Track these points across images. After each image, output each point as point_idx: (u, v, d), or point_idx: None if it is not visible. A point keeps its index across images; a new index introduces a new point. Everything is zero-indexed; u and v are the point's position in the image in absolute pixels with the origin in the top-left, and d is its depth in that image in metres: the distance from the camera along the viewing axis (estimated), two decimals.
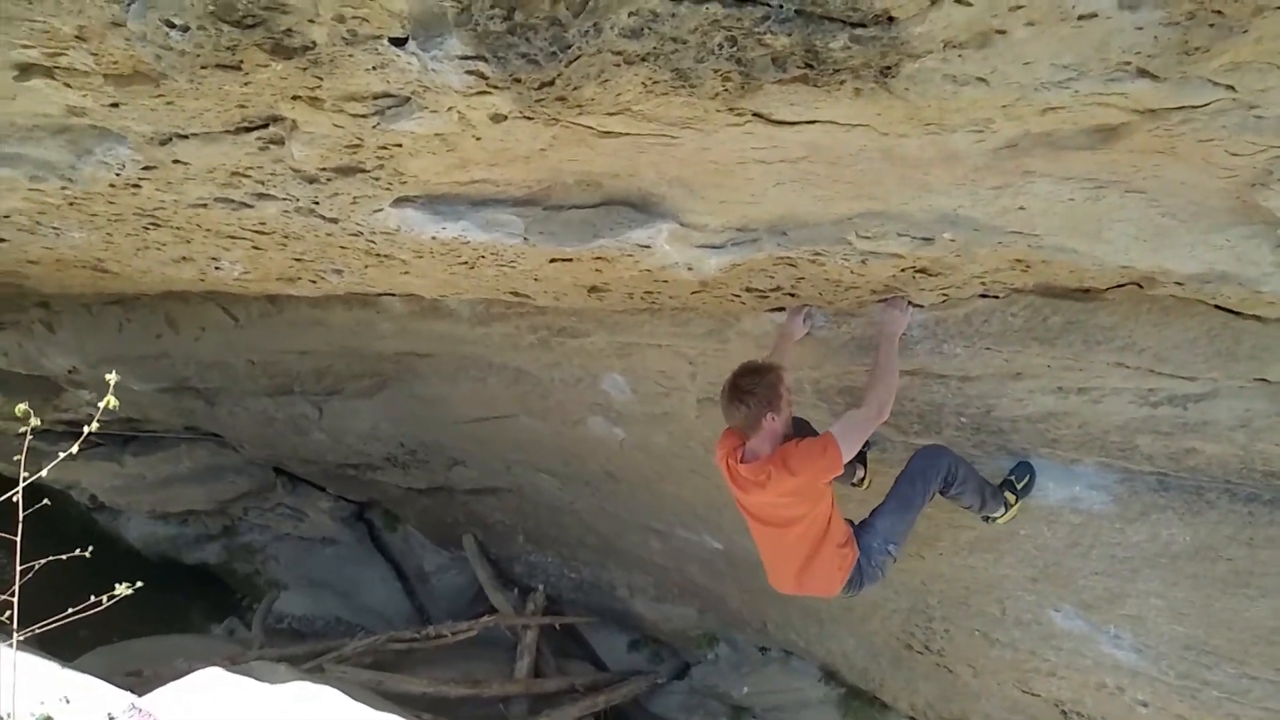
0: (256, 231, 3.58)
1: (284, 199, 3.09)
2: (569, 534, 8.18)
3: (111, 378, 2.46)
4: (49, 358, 8.03)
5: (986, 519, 4.25)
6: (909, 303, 3.67)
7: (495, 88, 2.10)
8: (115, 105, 2.48)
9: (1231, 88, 1.91)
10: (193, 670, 4.30)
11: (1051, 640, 4.94)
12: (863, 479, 4.53)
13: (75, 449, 2.74)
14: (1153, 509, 3.98)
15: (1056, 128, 2.21)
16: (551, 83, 2.08)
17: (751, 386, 3.40)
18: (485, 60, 1.99)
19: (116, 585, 2.56)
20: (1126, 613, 4.41)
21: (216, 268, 4.30)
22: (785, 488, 3.40)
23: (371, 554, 10.67)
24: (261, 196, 3.10)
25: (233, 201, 3.21)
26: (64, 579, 3.01)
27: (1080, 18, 1.77)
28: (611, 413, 6.15)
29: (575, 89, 2.10)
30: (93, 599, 2.62)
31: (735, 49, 2.00)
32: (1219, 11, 1.69)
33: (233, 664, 4.98)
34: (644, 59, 2.03)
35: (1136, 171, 2.34)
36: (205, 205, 3.26)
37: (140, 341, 7.60)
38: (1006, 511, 4.17)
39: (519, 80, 2.06)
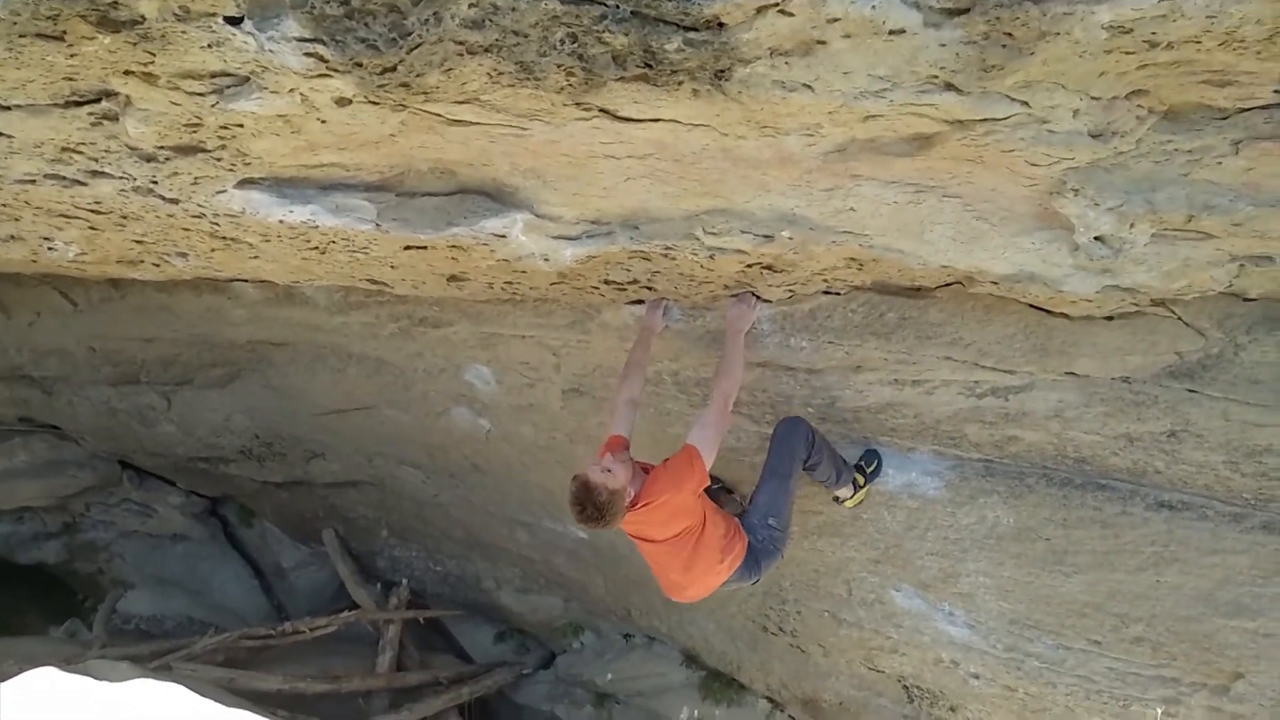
0: (92, 211, 3.42)
1: (120, 177, 2.96)
2: (434, 527, 8.09)
3: None
4: None
5: (836, 499, 4.47)
6: (756, 298, 3.79)
7: (336, 71, 2.10)
8: None
9: (1026, 103, 2.10)
10: (22, 672, 4.08)
11: (893, 619, 5.23)
12: (845, 500, 4.53)
13: None
14: (980, 493, 4.27)
15: (879, 134, 2.37)
16: (393, 68, 2.09)
17: (609, 520, 3.34)
18: (323, 43, 1.98)
19: None
20: (959, 591, 4.71)
21: (50, 249, 4.07)
22: (666, 511, 3.45)
23: (225, 551, 10.25)
24: (95, 174, 2.96)
25: (64, 179, 3.05)
26: None
27: (891, 33, 1.91)
28: (476, 404, 6.13)
29: (418, 76, 2.12)
30: None
31: (576, 45, 2.06)
32: (1009, 34, 1.86)
33: (69, 664, 4.73)
34: (487, 50, 2.07)
35: (952, 178, 2.53)
36: (34, 181, 3.09)
37: None
38: (855, 493, 4.38)
39: (360, 65, 2.06)
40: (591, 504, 3.28)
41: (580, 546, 6.93)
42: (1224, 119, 2.12)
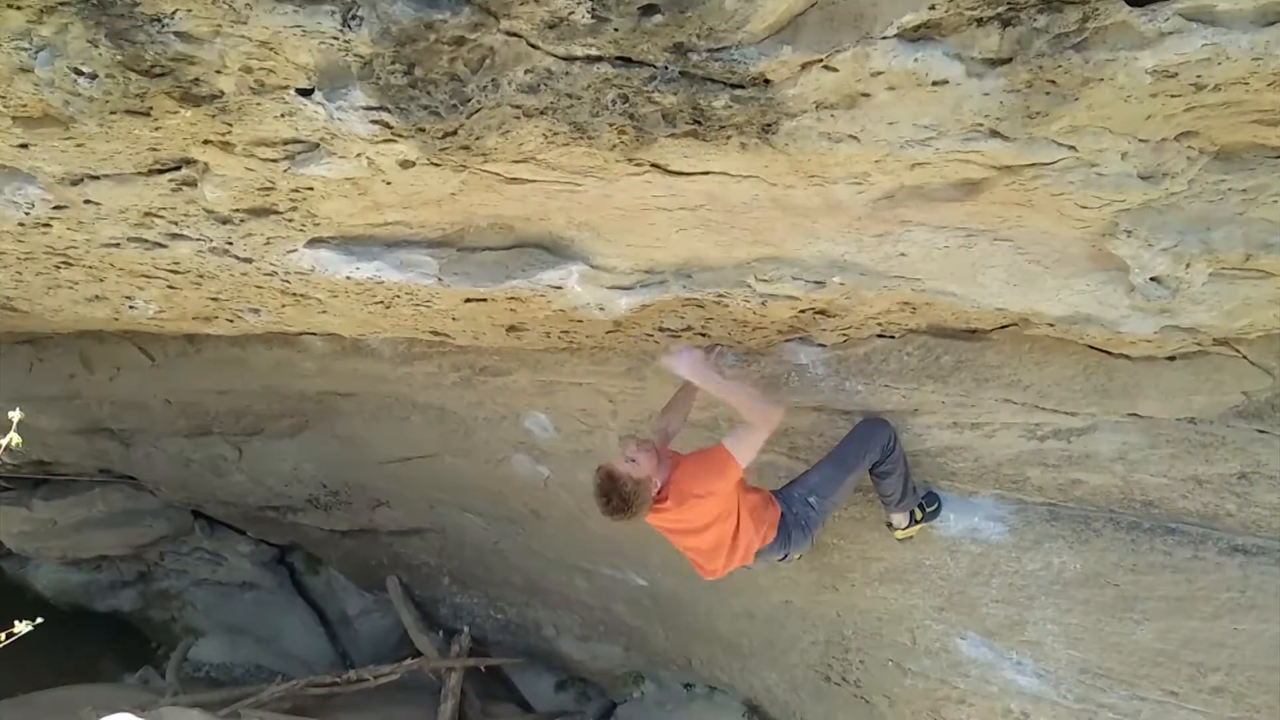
0: (170, 271, 3.60)
1: (197, 239, 3.13)
2: (494, 574, 8.16)
3: (15, 415, 2.47)
4: None
5: (889, 524, 4.41)
6: (725, 350, 3.68)
7: (400, 136, 2.21)
8: (24, 146, 2.51)
9: (1073, 148, 2.11)
10: (99, 718, 4.20)
11: (959, 668, 5.11)
12: (902, 527, 4.43)
13: None
14: (1045, 538, 4.19)
15: (926, 181, 2.40)
16: (454, 132, 2.19)
17: (634, 512, 3.34)
18: (389, 111, 2.09)
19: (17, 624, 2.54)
20: (1026, 639, 4.60)
21: (131, 307, 4.28)
22: (695, 513, 3.45)
23: (293, 598, 10.44)
24: (175, 236, 3.13)
25: (146, 241, 3.23)
26: None
27: (934, 84, 1.95)
28: (535, 451, 6.21)
29: (478, 139, 2.22)
30: None
31: (627, 105, 2.14)
32: (1052, 81, 1.89)
33: (142, 711, 4.86)
34: (542, 112, 2.16)
35: (1002, 222, 2.54)
36: (118, 245, 3.28)
37: (52, 381, 7.43)
38: (910, 525, 4.32)
39: (423, 130, 2.17)
40: (617, 494, 3.27)
41: (640, 594, 6.92)
42: (1278, 157, 2.10)
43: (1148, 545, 3.87)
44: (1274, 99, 1.90)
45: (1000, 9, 1.78)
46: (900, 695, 5.69)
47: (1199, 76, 1.83)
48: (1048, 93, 1.92)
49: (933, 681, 5.37)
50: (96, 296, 4.15)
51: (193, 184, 2.74)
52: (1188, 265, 2.37)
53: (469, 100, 2.06)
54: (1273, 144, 2.09)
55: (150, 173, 2.70)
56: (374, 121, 2.14)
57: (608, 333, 3.95)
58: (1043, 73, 1.86)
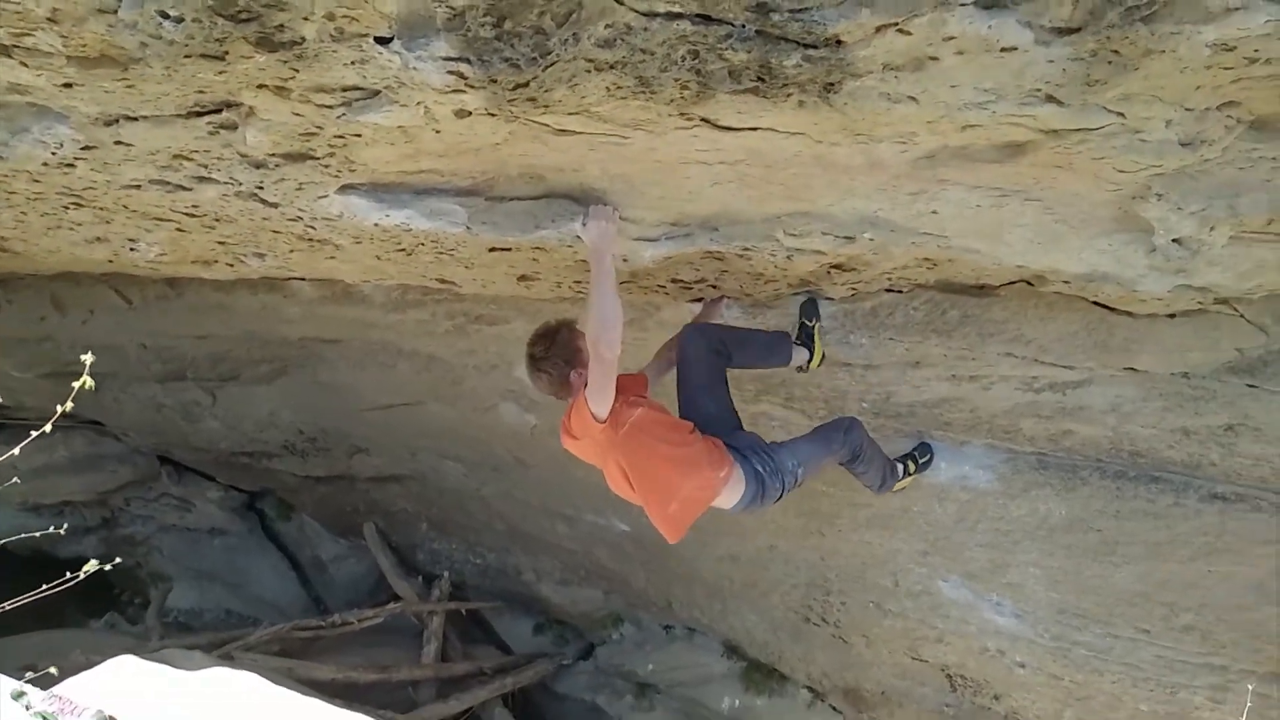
0: (186, 214, 3.55)
1: (226, 183, 3.09)
2: (474, 520, 8.24)
3: None
4: None
5: None
6: (615, 210, 3.20)
7: (471, 87, 2.23)
8: (68, 85, 2.47)
9: (1122, 115, 2.21)
10: (94, 663, 4.21)
11: (939, 609, 5.35)
12: (809, 362, 4.17)
13: None
14: (1033, 486, 4.39)
15: (971, 142, 2.49)
16: (526, 84, 2.21)
17: (545, 353, 3.29)
18: (469, 62, 2.11)
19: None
20: (1008, 581, 4.83)
21: (132, 249, 4.21)
22: (583, 452, 3.37)
23: (264, 544, 10.41)
24: (202, 180, 3.09)
25: (169, 184, 3.18)
26: None
27: (1003, 50, 2.02)
28: (524, 399, 6.26)
29: (547, 91, 2.25)
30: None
31: (697, 61, 2.18)
32: (1116, 51, 1.98)
33: (145, 654, 4.89)
34: (612, 66, 2.19)
35: (1036, 183, 2.64)
36: (139, 186, 3.22)
37: (21, 324, 7.26)
38: (903, 479, 4.39)
39: (495, 81, 2.19)
40: (554, 334, 3.29)
41: (622, 539, 7.06)
42: None
43: (1132, 493, 4.08)
44: None
45: None
46: (879, 635, 5.93)
47: (1256, 51, 1.93)
48: (1110, 62, 2.01)
49: (912, 622, 5.61)
50: (99, 239, 4.07)
51: (232, 127, 2.71)
52: (1212, 228, 2.50)
53: (549, 53, 2.08)
54: None
55: (190, 115, 2.66)
56: (451, 72, 2.15)
57: (621, 283, 3.99)
58: (1109, 43, 1.95)
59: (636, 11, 2.01)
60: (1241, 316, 3.21)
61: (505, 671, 7.60)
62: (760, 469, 3.48)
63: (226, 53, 2.13)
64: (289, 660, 6.51)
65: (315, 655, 7.05)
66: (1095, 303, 3.45)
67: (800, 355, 4.11)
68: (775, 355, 4.04)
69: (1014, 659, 5.20)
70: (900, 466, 4.38)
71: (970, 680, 5.64)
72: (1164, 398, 3.66)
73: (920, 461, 4.48)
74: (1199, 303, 3.15)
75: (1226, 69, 2.02)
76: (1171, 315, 3.35)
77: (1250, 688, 4.23)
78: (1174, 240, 2.62)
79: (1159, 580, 4.23)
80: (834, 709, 6.82)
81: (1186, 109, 2.17)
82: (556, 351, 3.29)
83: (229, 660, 5.78)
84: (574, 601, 8.10)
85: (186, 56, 2.14)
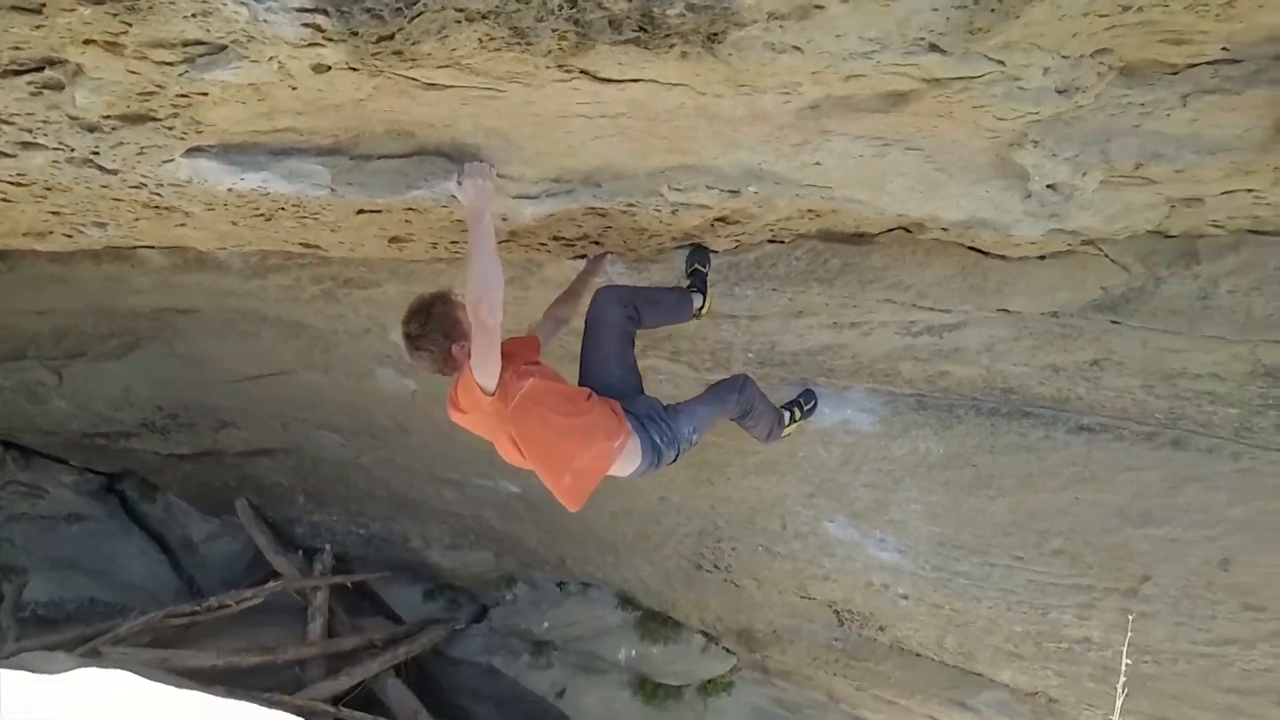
0: (10, 184, 3.19)
1: (55, 149, 2.78)
2: (355, 490, 7.98)
3: None
4: None
5: None
6: (492, 167, 3.00)
7: (330, 40, 2.04)
8: None
9: (1002, 63, 2.22)
10: None
11: (827, 548, 5.50)
12: (701, 309, 4.05)
13: None
14: (912, 426, 4.52)
15: (855, 92, 2.45)
16: (391, 36, 2.04)
17: (421, 329, 3.11)
18: (326, 13, 1.92)
19: None
20: (890, 518, 4.99)
21: None
22: (476, 428, 3.23)
23: (127, 527, 9.82)
24: (27, 145, 2.76)
25: None
26: None
27: None
28: (402, 364, 6.03)
29: (415, 44, 2.08)
30: None
31: (575, 10, 2.06)
32: None
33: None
34: (485, 16, 2.04)
35: (917, 131, 2.64)
36: None
37: None
38: (788, 424, 4.40)
39: (356, 34, 2.01)
40: (430, 307, 3.10)
41: (512, 500, 6.97)
42: (1175, 74, 2.29)
43: (1005, 428, 4.25)
44: (1185, 20, 2.05)
45: None
46: (769, 577, 6.07)
47: None
48: (992, 10, 2.00)
49: (800, 563, 5.75)
50: None
51: (58, 87, 2.42)
52: (1084, 174, 2.56)
53: (416, 2, 1.91)
54: (1172, 61, 2.26)
55: (5, 74, 2.36)
56: (306, 25, 1.95)
57: (501, 242, 3.84)
58: None
59: None
60: (1106, 256, 3.34)
61: (396, 642, 7.45)
62: (657, 438, 3.39)
63: (44, 5, 1.87)
64: (163, 651, 6.18)
65: (192, 642, 6.72)
66: (970, 248, 3.52)
67: (696, 300, 4.01)
68: (680, 313, 3.96)
69: (898, 591, 5.40)
70: (786, 414, 4.40)
71: (857, 614, 5.84)
72: (1034, 336, 3.80)
73: (805, 408, 4.53)
74: (1068, 245, 3.25)
75: (1102, 16, 2.03)
76: (1041, 257, 3.46)
77: (1113, 604, 4.53)
78: (1048, 186, 2.68)
79: (1031, 510, 4.44)
80: (728, 650, 6.98)
81: (1063, 56, 2.19)
82: (434, 327, 3.12)
83: (96, 658, 5.43)
84: (465, 565, 7.99)
85: None
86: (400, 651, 7.28)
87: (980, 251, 3.54)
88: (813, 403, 4.58)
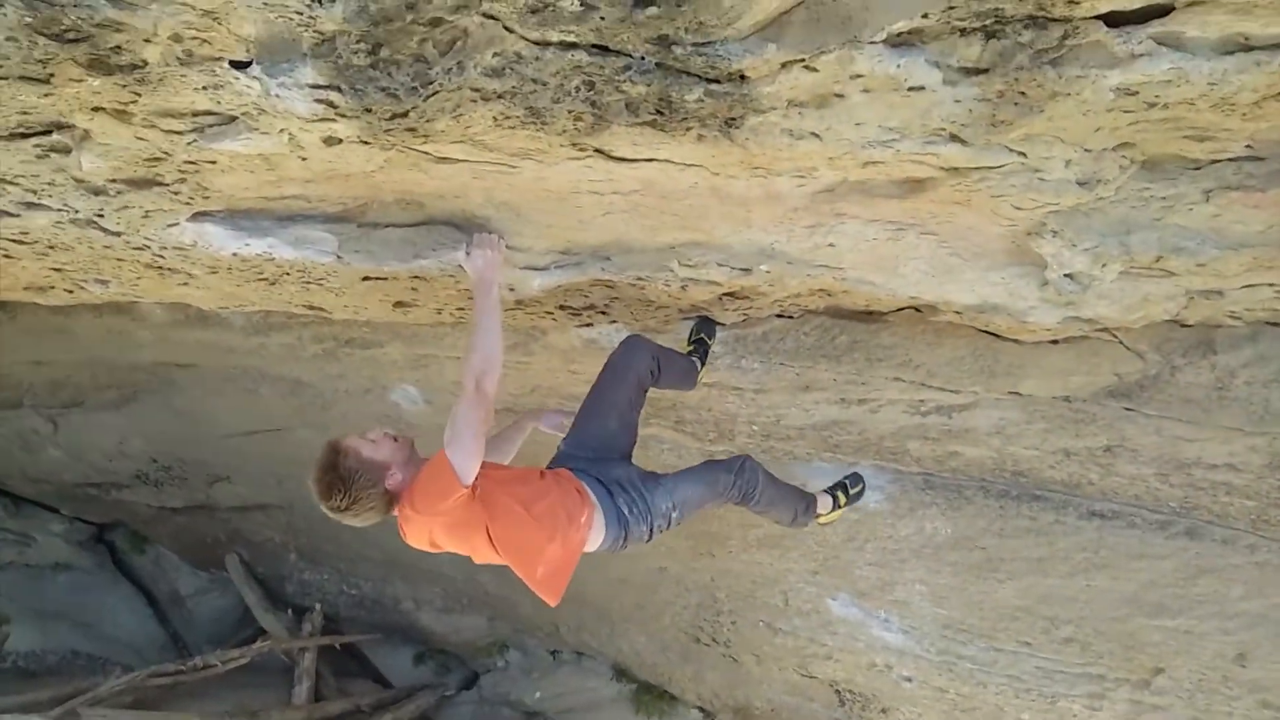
0: (13, 241, 3.16)
1: (59, 210, 2.75)
2: (348, 549, 7.83)
3: None
4: None
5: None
6: (501, 238, 2.96)
7: (343, 116, 2.01)
8: None
9: (1023, 154, 2.19)
10: None
11: (829, 626, 5.36)
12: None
13: None
14: (919, 505, 4.43)
15: (872, 178, 2.43)
16: (405, 114, 2.01)
17: (348, 496, 2.58)
18: (339, 90, 1.89)
19: None
20: (895, 598, 4.88)
21: None
22: (437, 532, 2.70)
23: (115, 579, 9.66)
24: (31, 206, 2.74)
25: None
26: None
27: (910, 89, 1.96)
28: (401, 424, 5.95)
29: (429, 121, 2.05)
30: None
31: (592, 93, 2.03)
32: (1023, 93, 1.94)
33: None
34: (500, 96, 2.02)
35: (933, 217, 2.61)
36: None
37: None
38: (832, 511, 3.88)
39: (370, 110, 1.98)
40: (334, 472, 2.56)
41: (506, 566, 6.83)
42: (1197, 169, 2.26)
43: (1015, 511, 4.16)
44: (1210, 119, 2.02)
45: (987, 21, 1.80)
46: (769, 653, 5.92)
47: (1156, 96, 1.92)
48: (1016, 103, 1.97)
49: (802, 640, 5.62)
50: None
51: (64, 151, 2.40)
52: (1104, 264, 2.52)
53: (431, 83, 1.89)
54: (1194, 156, 2.23)
55: (12, 137, 2.33)
56: (319, 100, 1.92)
57: (507, 310, 3.80)
58: (1017, 85, 1.91)
59: (528, 40, 1.85)
60: (1121, 343, 3.28)
61: (384, 707, 7.26)
62: (625, 510, 3.02)
63: (52, 75, 1.84)
64: (144, 713, 6.00)
65: (175, 703, 6.53)
66: (983, 330, 3.47)
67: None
68: (689, 378, 3.69)
69: (901, 673, 5.26)
70: (829, 499, 3.86)
71: (859, 695, 5.69)
72: (1046, 420, 3.73)
73: (851, 492, 4.02)
74: (1083, 331, 3.20)
75: (1127, 112, 2.00)
76: (1054, 342, 3.40)
77: (1124, 695, 4.40)
78: (1066, 275, 2.63)
79: (1040, 595, 4.33)
80: None
81: (1086, 150, 2.16)
82: (359, 483, 2.58)
83: (72, 718, 5.25)
84: (457, 630, 7.82)
85: (3, 78, 1.84)
86: (387, 718, 7.08)
87: (992, 334, 3.49)
88: (860, 486, 4.09)
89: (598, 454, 3.18)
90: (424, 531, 2.70)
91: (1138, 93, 1.91)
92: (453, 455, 2.51)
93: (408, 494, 2.63)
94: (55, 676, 8.35)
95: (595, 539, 2.98)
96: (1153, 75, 1.85)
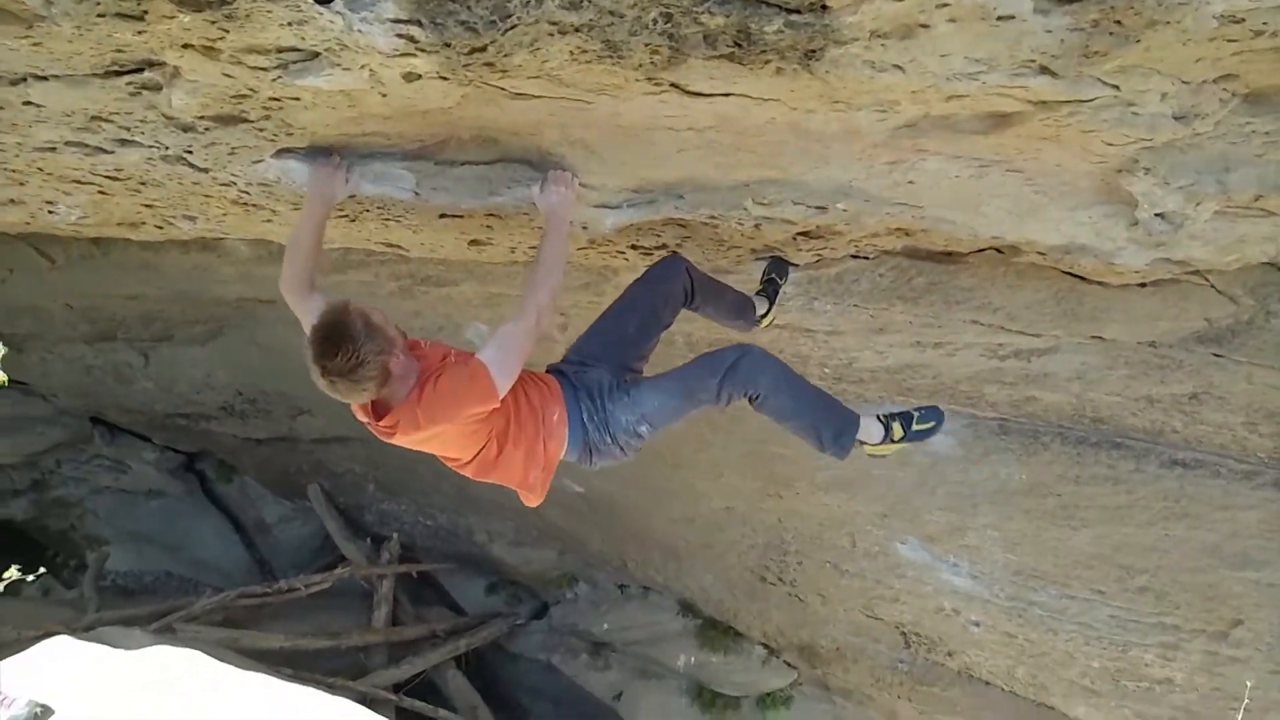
0: (108, 178, 3.28)
1: (151, 146, 2.84)
2: (424, 482, 8.07)
3: None
4: None
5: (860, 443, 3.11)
6: (575, 176, 2.91)
7: (423, 51, 2.02)
8: None
9: (1117, 87, 2.09)
10: (24, 638, 4.02)
11: (896, 569, 5.37)
12: (764, 316, 3.60)
13: None
14: (994, 451, 4.37)
15: (956, 112, 2.35)
16: (484, 49, 2.02)
17: (352, 359, 2.37)
18: (419, 25, 1.91)
19: None
20: (966, 543, 4.85)
21: (50, 212, 3.90)
22: (444, 440, 2.65)
23: (204, 506, 10.14)
24: (124, 143, 2.83)
25: (88, 147, 2.92)
26: None
27: (999, 18, 1.88)
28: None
29: (506, 56, 2.05)
30: None
31: (670, 25, 2.00)
32: (1119, 22, 1.85)
33: (77, 631, 4.68)
34: (578, 30, 2.00)
35: (1019, 154, 2.52)
36: (54, 149, 2.95)
37: None
38: (880, 443, 3.09)
39: (449, 45, 1.99)
40: (341, 329, 2.38)
41: (576, 501, 6.97)
42: None
43: (1092, 458, 4.08)
44: None
45: None
46: (835, 594, 5.96)
47: (1265, 23, 1.82)
48: (1111, 33, 1.88)
49: (868, 581, 5.64)
50: (12, 200, 3.76)
51: (155, 88, 2.47)
52: (1198, 203, 2.42)
53: (509, 16, 1.89)
54: None
55: (107, 75, 2.41)
56: (400, 35, 1.94)
57: (579, 249, 3.82)
58: (1112, 13, 1.82)
59: None
60: (1212, 287, 3.16)
61: (458, 633, 7.53)
62: (585, 418, 2.87)
63: (146, 12, 1.89)
64: (234, 631, 6.33)
65: (261, 623, 6.88)
66: (1065, 272, 3.37)
67: (761, 307, 3.56)
68: (739, 317, 3.55)
69: (969, 618, 5.25)
70: (880, 428, 3.07)
71: (925, 637, 5.70)
72: (1129, 366, 3.63)
73: (913, 429, 3.12)
74: (1172, 274, 3.09)
75: (1231, 41, 1.90)
76: (1142, 285, 3.29)
77: (1200, 646, 4.33)
78: (1157, 214, 2.53)
79: (1116, 543, 4.26)
80: (788, 665, 6.88)
81: (1184, 82, 2.06)
82: (367, 346, 2.39)
83: (170, 634, 5.58)
84: (528, 562, 8.03)
85: (100, 15, 1.90)
86: (461, 643, 7.35)
87: (1076, 276, 3.39)
88: (931, 423, 3.17)
89: (595, 358, 3.05)
90: (422, 430, 2.57)
91: (1244, 20, 1.81)
92: (496, 374, 2.52)
93: (412, 399, 2.54)
94: (151, 595, 8.86)
95: (563, 445, 2.90)
96: (1261, 1, 1.75)
